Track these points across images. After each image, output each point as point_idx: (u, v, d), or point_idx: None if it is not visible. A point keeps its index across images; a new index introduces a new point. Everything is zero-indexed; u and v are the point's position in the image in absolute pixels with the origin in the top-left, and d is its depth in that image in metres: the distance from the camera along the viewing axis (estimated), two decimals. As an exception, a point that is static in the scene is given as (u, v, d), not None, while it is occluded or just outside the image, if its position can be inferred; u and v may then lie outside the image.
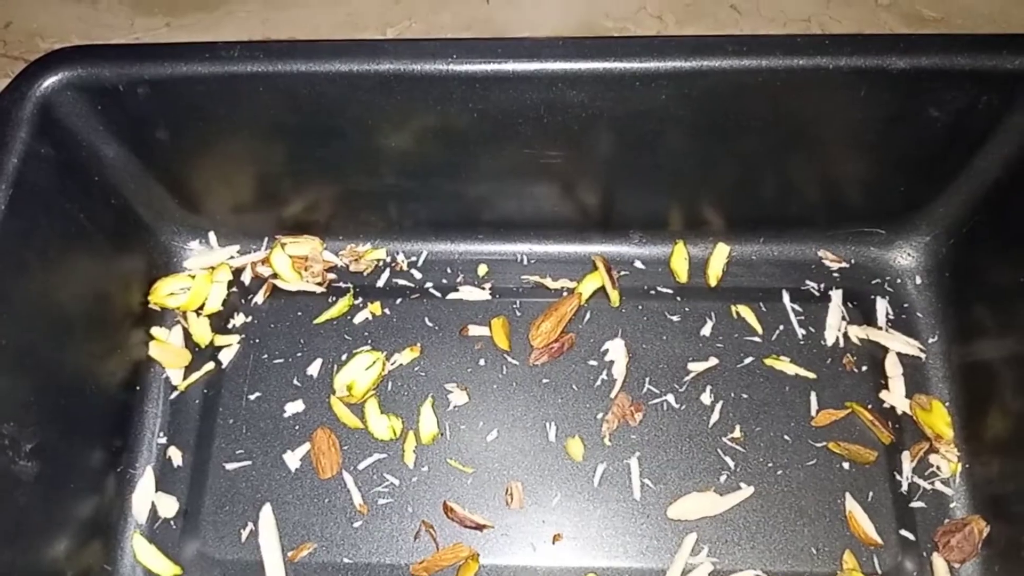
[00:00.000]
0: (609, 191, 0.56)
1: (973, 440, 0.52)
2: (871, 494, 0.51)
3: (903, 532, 0.50)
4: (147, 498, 0.52)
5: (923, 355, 0.54)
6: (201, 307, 0.57)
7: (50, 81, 0.48)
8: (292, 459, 0.53)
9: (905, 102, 0.48)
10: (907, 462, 0.52)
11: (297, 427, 0.54)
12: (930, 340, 0.55)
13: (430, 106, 0.49)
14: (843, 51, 0.47)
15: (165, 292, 0.56)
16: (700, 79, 0.47)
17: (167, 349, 0.55)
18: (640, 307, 0.57)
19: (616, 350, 0.55)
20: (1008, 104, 0.48)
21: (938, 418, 0.52)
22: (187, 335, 0.56)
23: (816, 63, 0.47)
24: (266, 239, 0.59)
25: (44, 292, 0.48)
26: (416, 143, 0.52)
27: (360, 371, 0.54)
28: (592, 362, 0.55)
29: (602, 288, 0.57)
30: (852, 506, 0.51)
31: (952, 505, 0.51)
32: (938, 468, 0.52)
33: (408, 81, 0.48)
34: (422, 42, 0.48)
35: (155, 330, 0.56)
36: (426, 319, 0.57)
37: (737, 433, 0.53)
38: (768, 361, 0.55)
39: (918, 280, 0.57)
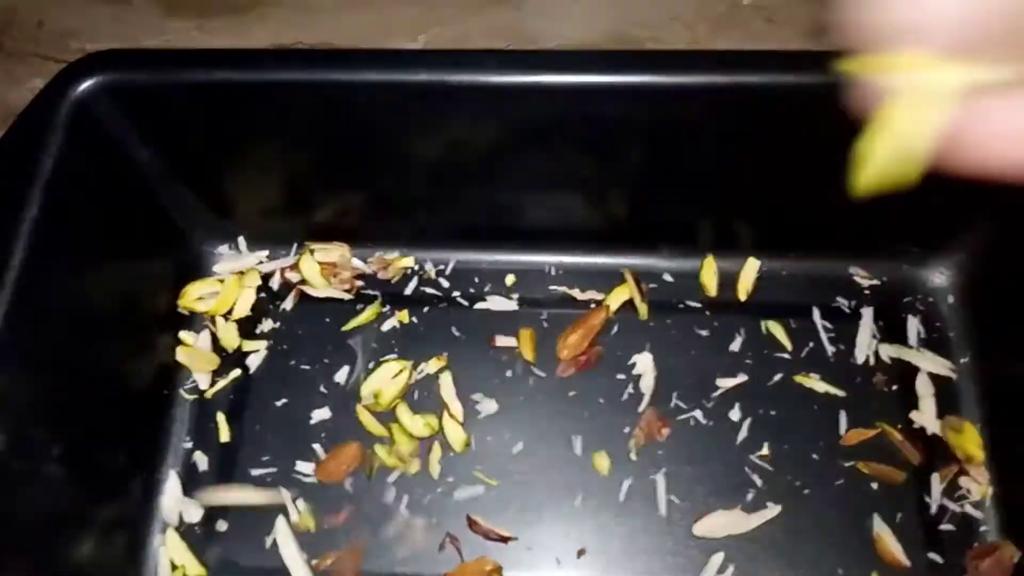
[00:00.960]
0: (639, 203, 0.56)
1: (1005, 463, 0.51)
2: (899, 515, 0.51)
3: (931, 555, 0.50)
4: (174, 502, 0.52)
5: (954, 375, 0.54)
6: (230, 312, 0.57)
7: (86, 84, 0.48)
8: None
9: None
10: (936, 484, 0.51)
11: (323, 434, 0.54)
12: (962, 360, 0.54)
13: (462, 116, 0.49)
14: (881, 68, 0.46)
15: (194, 296, 0.56)
16: (734, 93, 0.47)
17: (195, 353, 0.55)
18: (668, 321, 0.56)
19: (644, 364, 0.55)
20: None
21: (969, 440, 0.51)
22: (215, 340, 0.56)
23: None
24: (295, 245, 0.59)
25: (75, 295, 0.48)
26: (447, 152, 0.52)
27: (387, 379, 0.54)
28: (620, 376, 0.55)
29: (630, 301, 0.56)
30: (880, 527, 0.50)
31: (982, 529, 0.50)
32: (968, 491, 0.51)
33: (441, 91, 0.47)
34: (458, 52, 0.48)
35: (183, 334, 0.56)
36: (453, 328, 0.56)
37: (765, 451, 0.52)
38: (797, 378, 0.54)
39: (951, 299, 0.56)
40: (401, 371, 0.54)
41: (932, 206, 0.53)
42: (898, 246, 0.56)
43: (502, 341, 0.56)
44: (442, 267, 0.59)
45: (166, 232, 0.56)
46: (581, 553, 0.50)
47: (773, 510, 0.51)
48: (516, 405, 0.54)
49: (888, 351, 0.55)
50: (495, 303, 0.57)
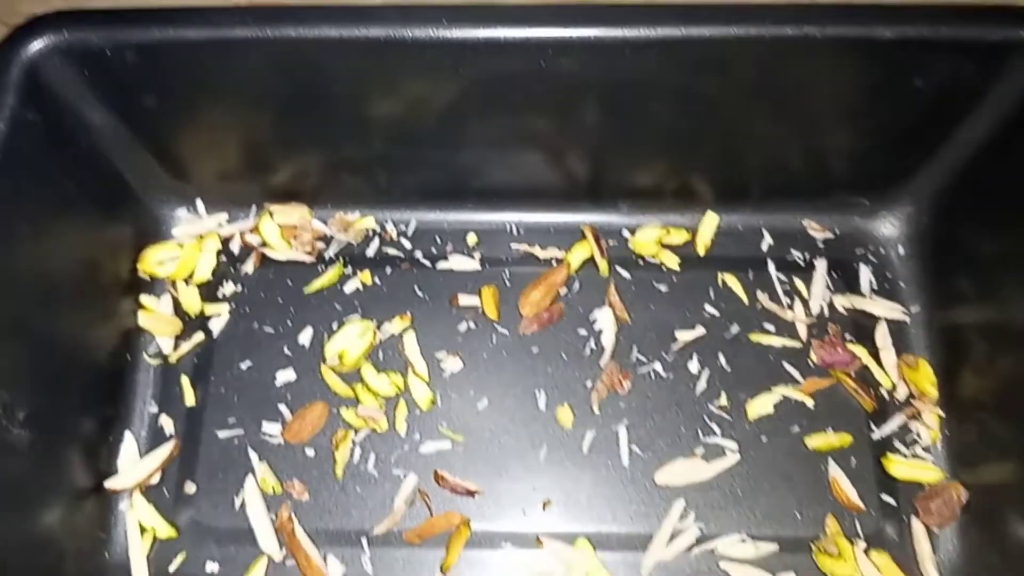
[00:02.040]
0: (598, 160, 0.56)
1: (954, 405, 0.53)
2: (854, 460, 0.52)
3: (884, 497, 0.51)
4: (138, 466, 0.52)
5: (907, 318, 0.55)
6: (190, 276, 0.57)
7: (36, 46, 0.47)
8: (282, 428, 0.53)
9: (890, 72, 0.48)
10: (888, 429, 0.53)
11: (289, 395, 0.54)
12: (913, 308, 0.56)
13: (419, 72, 0.49)
14: (830, 20, 0.47)
15: (154, 261, 0.56)
16: (690, 47, 0.47)
17: (157, 318, 0.55)
18: (628, 276, 0.57)
19: (605, 319, 0.55)
20: (992, 75, 0.48)
21: (924, 377, 0.53)
22: (177, 304, 0.56)
23: (804, 32, 0.47)
24: (254, 207, 0.59)
25: (33, 259, 0.48)
26: (405, 110, 0.52)
27: (351, 340, 0.54)
28: (581, 331, 0.56)
29: (591, 258, 0.57)
30: (835, 472, 0.52)
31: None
32: (919, 435, 0.53)
33: (397, 46, 0.47)
34: (412, 7, 0.48)
35: (144, 299, 0.56)
36: (416, 288, 0.57)
37: (723, 401, 0.54)
38: (754, 330, 0.55)
39: (901, 249, 0.57)
40: (365, 331, 0.55)
41: (881, 159, 0.55)
42: (849, 199, 0.58)
43: (465, 300, 0.56)
44: (403, 227, 0.59)
45: (123, 196, 0.55)
46: (546, 504, 0.51)
47: (732, 458, 0.52)
48: (480, 362, 0.55)
49: (842, 301, 0.56)
50: (457, 262, 0.57)
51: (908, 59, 0.47)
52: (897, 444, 0.53)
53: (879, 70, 0.48)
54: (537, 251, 0.58)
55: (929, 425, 0.53)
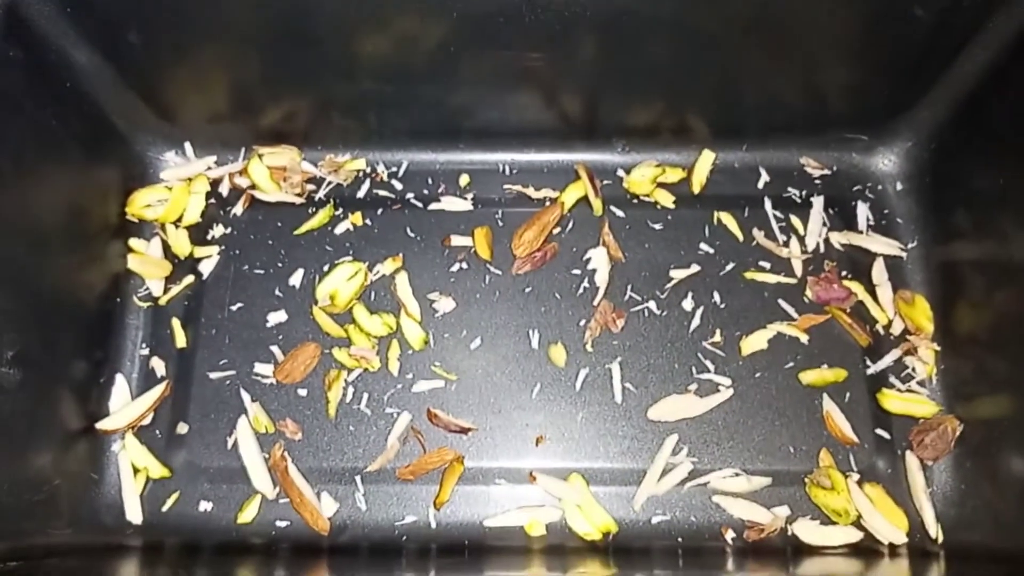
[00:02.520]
0: (592, 98, 0.56)
1: (950, 340, 0.52)
2: (848, 395, 0.52)
3: (878, 431, 0.51)
4: (130, 407, 0.52)
5: (904, 255, 0.55)
6: (179, 219, 0.56)
7: (17, -16, 0.46)
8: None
9: (889, 1, 0.47)
10: (884, 364, 0.52)
11: (281, 336, 0.54)
12: (910, 244, 0.55)
13: (409, 8, 0.48)
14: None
15: (142, 203, 0.56)
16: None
17: (146, 261, 0.55)
18: (622, 215, 0.56)
19: (598, 258, 0.55)
20: (992, 6, 0.47)
21: (920, 312, 0.53)
22: (166, 247, 0.56)
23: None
24: (243, 149, 0.58)
25: (19, 203, 0.47)
26: (394, 47, 0.51)
27: (342, 281, 0.54)
28: (575, 271, 0.55)
29: (585, 197, 0.57)
30: (829, 406, 0.51)
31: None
32: (913, 370, 0.52)
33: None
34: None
35: (133, 242, 0.55)
36: (408, 229, 0.56)
37: (717, 338, 0.53)
38: (749, 267, 0.55)
39: (899, 186, 0.57)
40: (356, 273, 0.54)
41: (879, 93, 0.54)
42: (848, 135, 0.57)
43: (457, 240, 0.56)
44: (394, 168, 0.58)
45: (110, 138, 0.55)
46: (539, 441, 0.51)
47: (725, 394, 0.52)
48: (473, 302, 0.55)
49: (838, 238, 0.55)
50: (449, 203, 0.57)
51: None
52: (892, 379, 0.52)
53: (880, 1, 0.47)
54: (530, 191, 0.57)
55: (924, 360, 0.52)
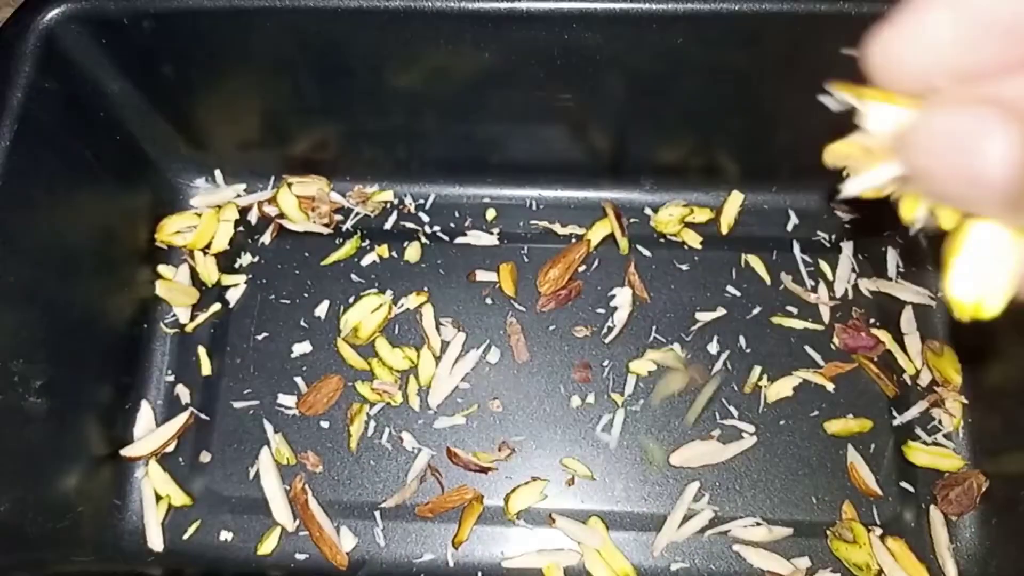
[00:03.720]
0: (621, 136, 0.55)
1: (978, 392, 0.52)
2: (873, 446, 0.51)
3: (903, 484, 0.51)
4: (154, 434, 0.52)
5: (933, 303, 0.54)
6: (208, 246, 0.56)
7: (53, 13, 0.46)
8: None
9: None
10: (910, 415, 0.52)
11: (305, 368, 0.54)
12: (939, 293, 0.54)
13: (440, 44, 0.48)
14: (867, -3, 0.45)
15: (171, 230, 0.56)
16: (718, 22, 0.46)
17: (174, 287, 0.55)
18: (649, 255, 0.56)
19: (622, 298, 0.55)
20: None
21: (948, 363, 0.52)
22: (194, 274, 0.56)
23: (837, 9, 0.45)
24: (272, 178, 0.58)
25: (51, 229, 0.48)
26: (425, 82, 0.51)
27: (367, 313, 0.54)
28: (599, 310, 0.55)
29: (611, 235, 0.56)
30: (853, 457, 0.51)
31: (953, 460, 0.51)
32: (940, 423, 0.52)
33: (418, 18, 0.46)
34: (434, -21, 0.47)
35: (162, 268, 0.56)
36: (433, 263, 0.56)
37: (745, 383, 0.53)
38: (776, 312, 0.54)
39: (929, 233, 0.56)
40: (381, 305, 0.54)
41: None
42: (880, 179, 0.56)
43: (483, 276, 0.56)
44: (422, 201, 0.58)
45: (141, 165, 0.55)
46: (570, 482, 0.51)
47: (748, 441, 0.51)
48: (496, 339, 0.54)
49: (867, 284, 0.55)
50: (475, 237, 0.57)
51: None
52: (918, 431, 0.52)
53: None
54: (557, 228, 0.57)
55: (952, 413, 0.52)
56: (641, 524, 0.50)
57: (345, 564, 0.49)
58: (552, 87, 0.51)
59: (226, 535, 0.51)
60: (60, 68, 0.47)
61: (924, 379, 0.53)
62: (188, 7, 0.47)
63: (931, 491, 0.50)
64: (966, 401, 0.52)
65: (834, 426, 0.52)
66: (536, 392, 0.53)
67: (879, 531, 0.49)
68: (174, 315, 0.55)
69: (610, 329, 0.54)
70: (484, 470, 0.51)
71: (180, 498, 0.51)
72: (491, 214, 0.58)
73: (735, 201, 0.57)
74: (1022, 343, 0.49)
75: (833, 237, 0.56)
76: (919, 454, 0.51)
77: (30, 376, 0.45)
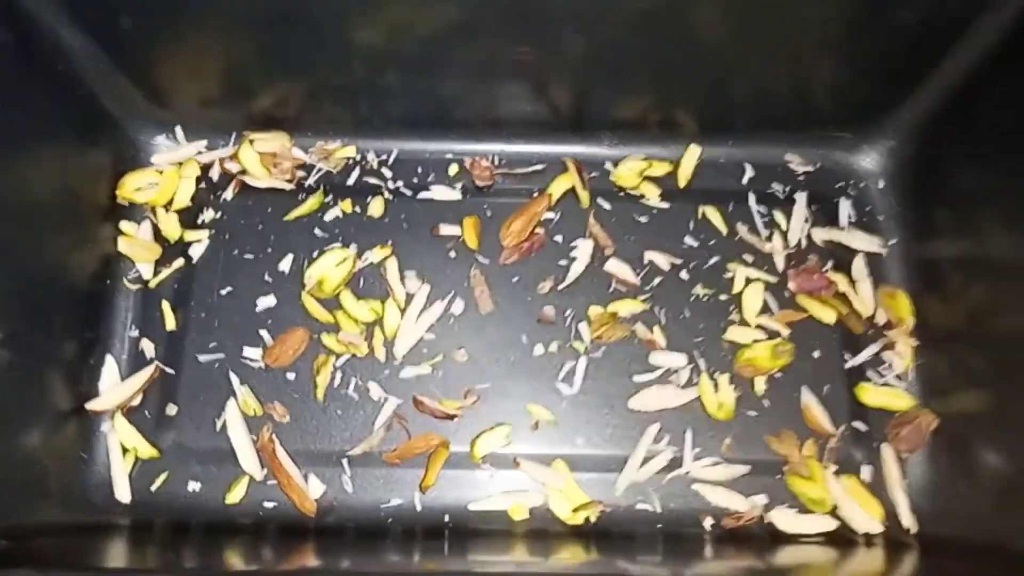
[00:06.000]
0: (581, 91, 0.56)
1: (927, 335, 0.54)
2: (827, 388, 0.53)
3: (856, 424, 0.52)
4: (120, 388, 0.52)
5: (884, 251, 0.56)
6: (170, 202, 0.56)
7: (11, -35, 0.46)
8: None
9: (879, 4, 0.48)
10: (863, 357, 0.54)
11: (270, 321, 0.54)
12: (891, 241, 0.56)
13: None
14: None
15: (133, 187, 0.56)
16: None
17: (137, 244, 0.55)
18: (609, 208, 0.57)
19: (584, 250, 0.56)
20: (975, 9, 0.48)
21: (901, 305, 0.54)
22: (156, 230, 0.56)
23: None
24: (234, 135, 0.58)
25: (12, 184, 0.48)
26: (387, 37, 0.52)
27: (331, 267, 0.55)
28: (561, 261, 0.56)
29: (573, 189, 0.57)
30: (808, 398, 0.53)
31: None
32: (891, 364, 0.54)
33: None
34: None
35: (124, 224, 0.56)
36: (397, 217, 0.57)
37: (700, 330, 0.54)
38: (732, 262, 0.56)
39: (881, 183, 0.58)
40: (345, 259, 0.55)
41: (864, 92, 0.55)
42: (832, 132, 0.58)
43: (446, 229, 0.56)
44: (385, 157, 0.59)
45: (102, 121, 0.55)
46: (535, 426, 0.52)
47: (706, 384, 0.53)
48: (460, 291, 0.55)
49: (820, 234, 0.56)
50: (439, 192, 0.58)
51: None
52: (869, 373, 0.53)
53: (867, 3, 0.48)
54: (518, 182, 0.58)
55: (902, 354, 0.53)
56: (604, 466, 0.51)
57: (313, 511, 0.50)
58: (512, 42, 0.52)
59: (194, 485, 0.51)
60: (17, 20, 0.47)
61: (880, 320, 0.54)
62: (147, -42, 0.47)
63: (883, 430, 0.52)
64: (916, 343, 0.54)
65: (789, 369, 0.53)
66: (500, 341, 0.54)
67: (834, 468, 0.51)
68: (137, 271, 0.55)
69: (571, 279, 0.55)
70: (450, 417, 0.52)
71: (147, 450, 0.51)
72: (453, 169, 0.58)
73: (692, 155, 0.58)
74: (969, 286, 0.51)
75: (787, 189, 0.58)
76: (871, 394, 0.53)
77: (-5, 331, 0.45)
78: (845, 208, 0.57)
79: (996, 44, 0.49)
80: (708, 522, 0.50)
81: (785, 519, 0.50)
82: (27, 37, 0.48)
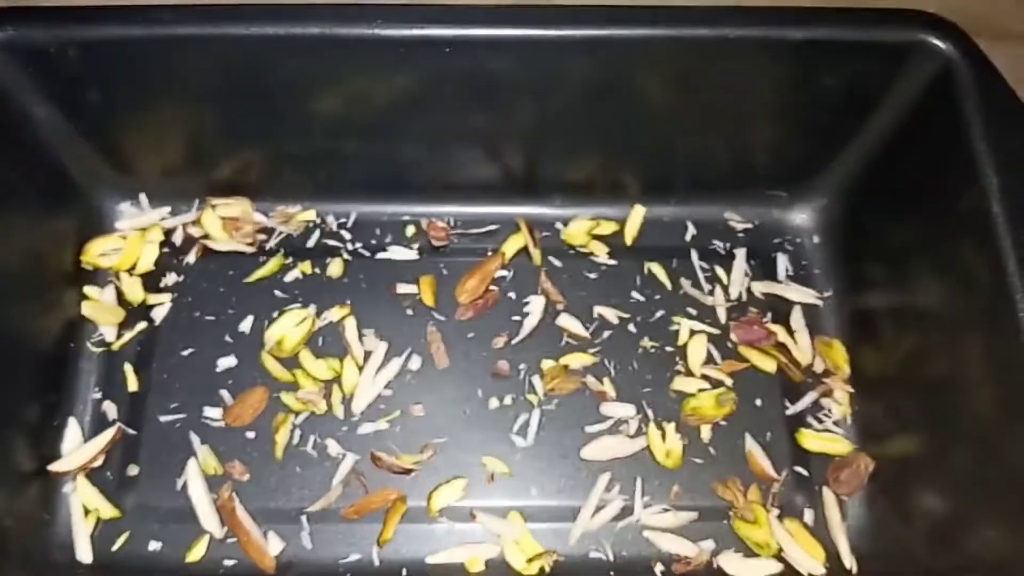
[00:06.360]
0: (532, 156, 0.59)
1: (863, 382, 0.56)
2: (769, 434, 0.55)
3: (797, 468, 0.55)
4: (82, 449, 0.53)
5: (820, 303, 0.59)
6: (133, 267, 0.58)
7: (-20, 41, 0.48)
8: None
9: (803, 70, 0.52)
10: (802, 404, 0.56)
11: (230, 381, 0.56)
12: (826, 293, 0.59)
13: (357, 69, 0.52)
14: (746, 22, 0.50)
15: (97, 252, 0.57)
16: (613, 47, 0.51)
17: (100, 307, 0.57)
18: (560, 265, 0.60)
19: (537, 306, 0.58)
20: (896, 74, 0.52)
21: (837, 354, 0.57)
22: (120, 294, 0.58)
23: (722, 33, 0.50)
24: (197, 200, 0.60)
25: (-24, 251, 0.49)
26: (344, 106, 0.54)
27: (290, 327, 0.56)
28: (515, 317, 0.58)
29: (525, 248, 0.60)
30: (751, 445, 0.55)
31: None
32: (829, 411, 0.56)
33: (335, 45, 0.50)
34: (349, 7, 0.50)
35: (88, 289, 0.57)
36: (355, 277, 0.59)
37: (648, 380, 0.56)
38: (676, 315, 0.58)
39: (815, 239, 0.61)
40: (304, 319, 0.57)
41: (796, 153, 0.59)
42: (768, 191, 0.61)
43: (403, 288, 0.59)
44: (344, 219, 0.61)
45: (67, 189, 0.57)
46: (491, 478, 0.54)
47: (654, 433, 0.55)
48: (417, 347, 0.57)
49: (760, 287, 0.59)
50: (396, 253, 0.60)
51: (818, 59, 0.51)
52: (809, 419, 0.56)
53: (792, 69, 0.52)
54: (473, 242, 0.60)
55: (840, 401, 0.56)
56: (557, 516, 0.53)
57: (273, 567, 0.51)
58: (466, 109, 0.55)
59: (155, 545, 0.52)
60: (-13, 96, 0.49)
61: (818, 368, 0.57)
62: (114, 35, 0.49)
63: (823, 474, 0.54)
64: (852, 390, 0.56)
65: (733, 417, 0.55)
66: (456, 396, 0.56)
67: (777, 512, 0.53)
68: (100, 334, 0.57)
69: (524, 334, 0.57)
70: (407, 471, 0.53)
71: (109, 511, 0.52)
72: (411, 230, 0.61)
73: (638, 214, 0.61)
74: (900, 335, 0.54)
75: (728, 245, 0.61)
76: (811, 440, 0.55)
77: (-44, 392, 0.46)
78: (782, 262, 0.60)
79: (914, 108, 0.53)
80: (659, 568, 0.52)
81: (732, 563, 0.52)
82: (-3, 110, 0.50)
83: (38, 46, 0.49)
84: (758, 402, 0.56)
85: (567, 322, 0.58)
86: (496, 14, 0.50)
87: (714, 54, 0.52)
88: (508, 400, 0.56)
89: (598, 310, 0.58)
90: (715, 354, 0.57)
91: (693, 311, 0.59)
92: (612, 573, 0.52)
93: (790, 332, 0.58)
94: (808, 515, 0.54)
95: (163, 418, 0.55)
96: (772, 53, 0.51)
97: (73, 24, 0.49)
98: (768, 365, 0.57)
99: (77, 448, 0.53)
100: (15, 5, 0.51)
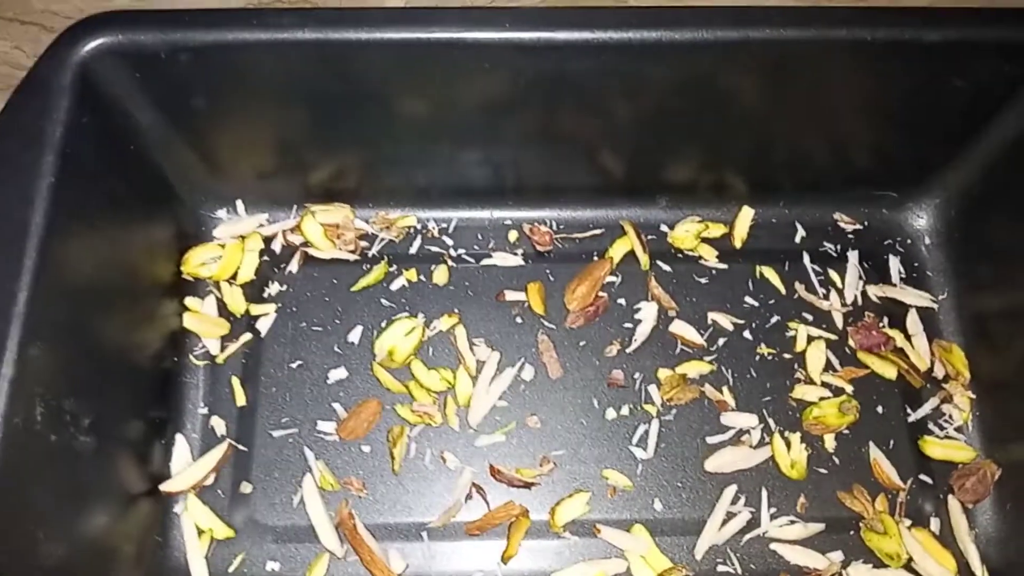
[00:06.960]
0: (633, 157, 0.58)
1: (983, 387, 0.55)
2: (892, 442, 0.54)
3: (922, 477, 0.54)
4: (192, 468, 0.51)
5: (935, 306, 0.58)
6: (234, 276, 0.56)
7: (89, 47, 0.46)
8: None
9: (932, 72, 0.50)
10: (923, 411, 0.55)
11: (342, 393, 0.54)
12: (941, 296, 0.58)
13: (451, 73, 0.50)
14: (879, 23, 0.49)
15: (196, 262, 0.56)
16: (734, 50, 0.49)
17: (202, 319, 0.55)
18: (669, 270, 0.58)
19: (649, 313, 0.57)
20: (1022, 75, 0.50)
21: (957, 359, 0.56)
22: (221, 305, 0.56)
23: (854, 35, 0.49)
24: (294, 207, 0.59)
25: (87, 263, 0.47)
26: (442, 110, 0.53)
27: (400, 336, 0.55)
28: (627, 324, 0.57)
29: (632, 252, 0.58)
30: (876, 454, 0.54)
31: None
32: (951, 417, 0.55)
33: (430, 48, 0.48)
34: (473, 10, 0.48)
35: (189, 300, 0.55)
36: (462, 285, 0.57)
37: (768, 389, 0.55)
38: (792, 320, 0.57)
39: (927, 240, 0.60)
40: (414, 328, 0.55)
41: (911, 154, 0.57)
42: (879, 192, 0.60)
43: (511, 295, 0.57)
44: (445, 225, 0.59)
45: (166, 197, 0.55)
46: (612, 492, 0.52)
47: (778, 443, 0.54)
48: (529, 357, 0.56)
49: (874, 290, 0.58)
50: (500, 259, 0.58)
51: (951, 60, 0.49)
52: (931, 426, 0.55)
53: (922, 71, 0.50)
54: (578, 247, 0.59)
55: (960, 407, 0.55)
56: (682, 529, 0.52)
57: (397, 586, 0.50)
58: (565, 112, 0.53)
59: (272, 565, 0.51)
60: (95, 101, 0.47)
61: (939, 373, 0.56)
62: (227, 40, 0.48)
63: (948, 482, 0.53)
64: (973, 396, 0.55)
65: (856, 425, 0.54)
66: (572, 406, 0.55)
67: (907, 522, 0.52)
68: (204, 347, 0.55)
69: (638, 342, 0.56)
70: (527, 485, 0.52)
71: (222, 531, 0.51)
72: (513, 235, 0.59)
73: (746, 216, 0.60)
74: (1017, 338, 0.53)
75: (839, 247, 0.60)
76: (935, 447, 0.54)
77: (80, 414, 0.45)
78: (895, 265, 0.59)
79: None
80: (788, 581, 0.51)
81: (862, 575, 0.51)
82: (104, 117, 0.48)
83: (148, 51, 0.47)
84: (879, 409, 0.55)
85: (681, 329, 0.56)
86: (592, 17, 0.48)
87: (818, 55, 0.50)
88: (625, 411, 0.54)
89: (712, 316, 0.57)
90: (834, 360, 0.56)
91: (809, 316, 0.57)
92: (741, 587, 0.51)
93: (907, 336, 0.57)
94: (934, 524, 0.53)
95: (275, 433, 0.53)
96: (905, 55, 0.50)
97: (188, 29, 0.47)
98: (889, 371, 0.56)
99: (187, 466, 0.52)
100: (122, 8, 0.49)
